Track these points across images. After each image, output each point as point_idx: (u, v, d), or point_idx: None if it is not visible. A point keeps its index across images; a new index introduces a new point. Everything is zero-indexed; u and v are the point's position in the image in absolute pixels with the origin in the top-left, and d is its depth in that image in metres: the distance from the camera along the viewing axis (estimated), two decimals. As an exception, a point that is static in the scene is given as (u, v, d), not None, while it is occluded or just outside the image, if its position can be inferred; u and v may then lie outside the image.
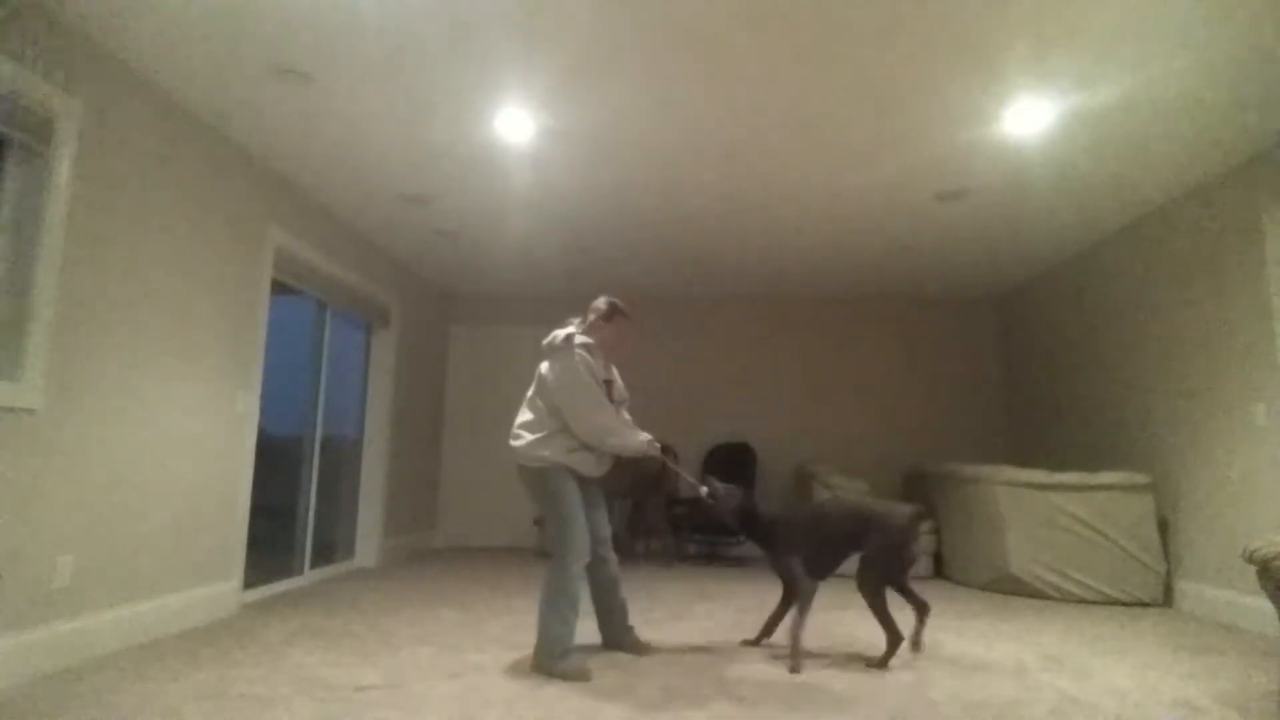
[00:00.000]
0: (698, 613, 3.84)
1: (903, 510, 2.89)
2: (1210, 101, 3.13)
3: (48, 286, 2.63)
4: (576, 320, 3.05)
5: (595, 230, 4.99)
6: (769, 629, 3.15)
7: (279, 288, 4.26)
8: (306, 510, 4.68)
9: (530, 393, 2.97)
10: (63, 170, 2.69)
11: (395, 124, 3.48)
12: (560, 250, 5.49)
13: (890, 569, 2.85)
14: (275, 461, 4.33)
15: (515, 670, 2.73)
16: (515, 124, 3.44)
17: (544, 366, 2.94)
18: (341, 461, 5.20)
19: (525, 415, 2.91)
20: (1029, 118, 3.29)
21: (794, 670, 2.75)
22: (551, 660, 2.67)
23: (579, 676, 2.63)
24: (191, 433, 3.41)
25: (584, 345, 2.89)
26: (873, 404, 6.63)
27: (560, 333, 2.95)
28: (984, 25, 2.64)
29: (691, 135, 3.55)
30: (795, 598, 2.92)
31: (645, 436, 2.86)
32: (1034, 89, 3.06)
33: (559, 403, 2.82)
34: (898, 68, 2.92)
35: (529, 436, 2.84)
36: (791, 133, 3.51)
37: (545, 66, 2.96)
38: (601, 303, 3.06)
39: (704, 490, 3.01)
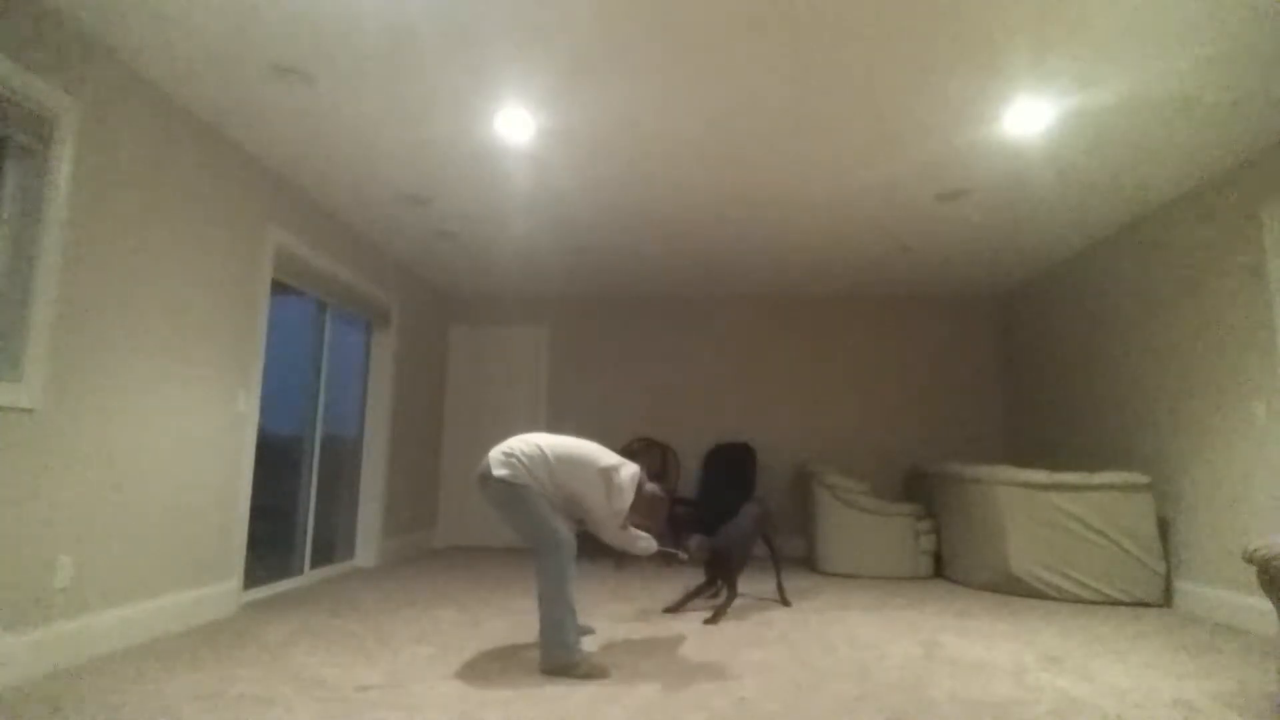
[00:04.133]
0: (698, 610, 3.84)
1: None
2: (1210, 101, 3.13)
3: (48, 286, 2.63)
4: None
5: (595, 230, 4.99)
6: (684, 604, 3.92)
7: (279, 288, 4.27)
8: (306, 510, 4.68)
9: (573, 457, 2.93)
10: (63, 170, 2.69)
11: (395, 124, 3.48)
12: (560, 250, 5.49)
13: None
14: (275, 461, 4.33)
15: (515, 670, 2.73)
16: (515, 124, 3.44)
17: (605, 463, 2.94)
18: (341, 461, 5.20)
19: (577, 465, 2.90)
20: (1029, 118, 3.29)
21: (713, 622, 3.61)
22: (568, 655, 2.67)
23: (599, 674, 2.65)
24: (191, 433, 3.41)
25: (634, 477, 3.00)
26: (873, 404, 6.63)
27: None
28: (984, 25, 2.64)
29: (692, 135, 3.55)
30: (728, 591, 3.83)
31: (645, 544, 3.16)
32: (1034, 89, 3.06)
33: (592, 498, 2.90)
34: (898, 68, 2.92)
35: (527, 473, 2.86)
36: (791, 133, 3.51)
37: (545, 66, 2.96)
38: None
39: (683, 556, 3.77)
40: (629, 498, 2.90)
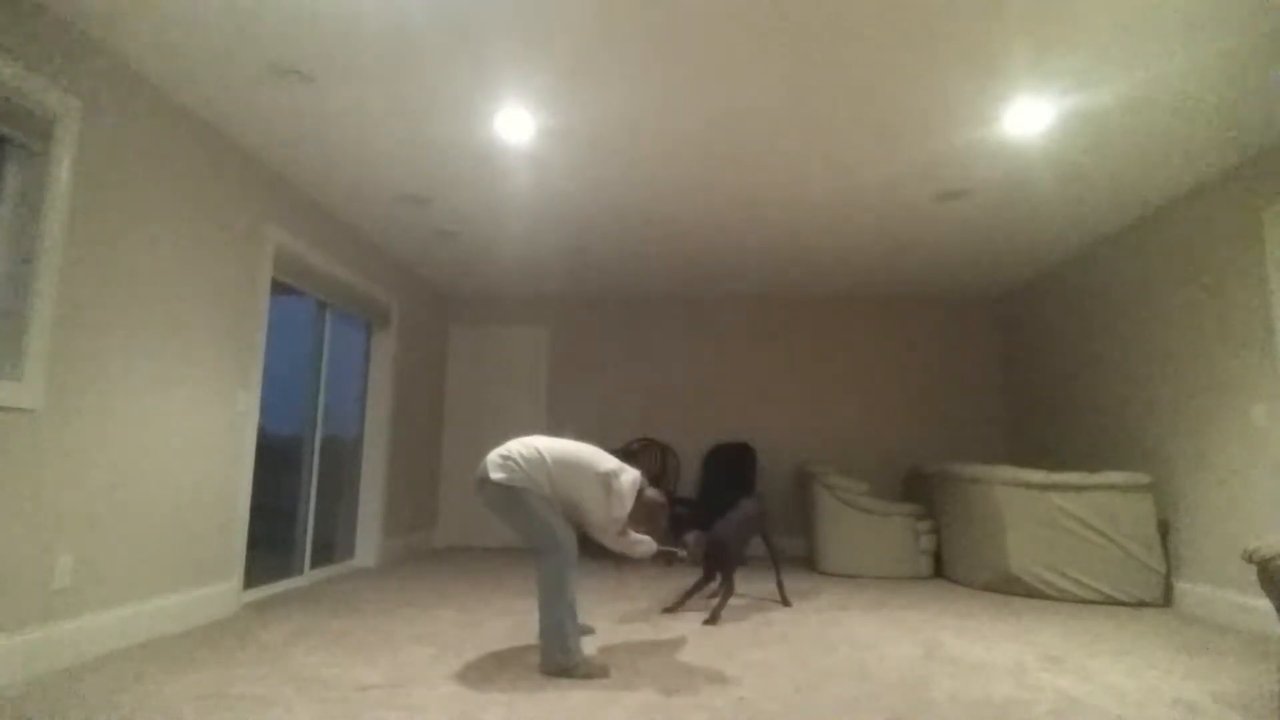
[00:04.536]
0: (696, 610, 3.84)
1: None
2: (1210, 101, 3.13)
3: (48, 286, 2.63)
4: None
5: (595, 230, 4.99)
6: (683, 602, 3.90)
7: (279, 288, 4.27)
8: (306, 510, 4.68)
9: (570, 459, 2.88)
10: (63, 170, 2.69)
11: (395, 124, 3.48)
12: (560, 250, 5.49)
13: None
14: (275, 461, 4.32)
15: (515, 671, 2.73)
16: (515, 124, 3.44)
17: (605, 468, 2.90)
18: (341, 461, 5.20)
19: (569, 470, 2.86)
20: (1029, 118, 3.29)
21: (712, 622, 3.58)
22: (568, 656, 2.67)
23: (599, 674, 2.65)
24: (191, 433, 3.41)
25: (634, 482, 2.95)
26: (873, 404, 6.63)
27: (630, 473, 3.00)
28: (984, 25, 2.64)
29: (691, 135, 3.55)
30: (725, 585, 3.81)
31: (645, 549, 3.12)
32: (1034, 89, 3.06)
33: (590, 503, 2.86)
34: (898, 68, 2.92)
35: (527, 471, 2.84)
36: (791, 133, 3.51)
37: (545, 66, 2.96)
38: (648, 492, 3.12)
39: (681, 553, 3.71)
40: (628, 504, 2.87)
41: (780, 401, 6.69)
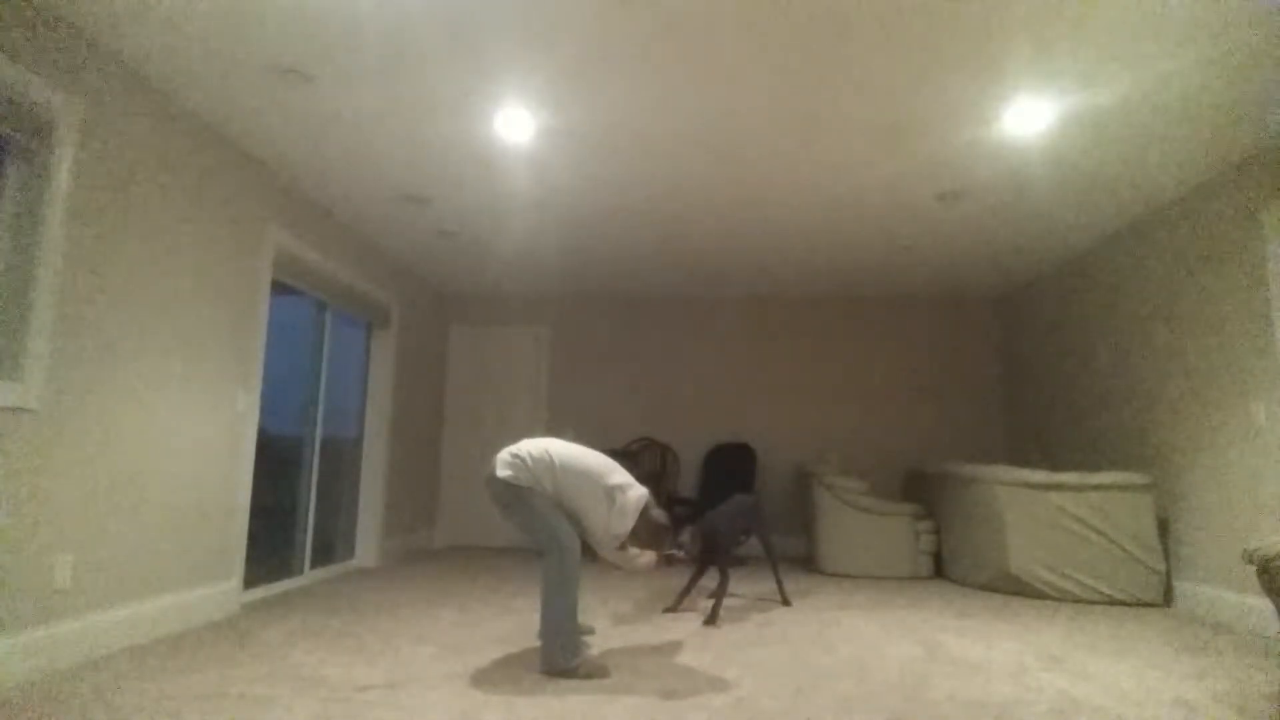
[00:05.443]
0: (696, 610, 3.84)
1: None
2: (1210, 101, 3.13)
3: (48, 286, 2.63)
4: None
5: (595, 230, 4.99)
6: (681, 600, 3.89)
7: (279, 288, 4.27)
8: (306, 510, 4.68)
9: (580, 464, 2.88)
10: (63, 170, 2.69)
11: (395, 124, 3.48)
12: (560, 250, 5.49)
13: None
14: (275, 461, 4.33)
15: (515, 670, 2.73)
16: (515, 124, 3.44)
17: (612, 481, 2.88)
18: (341, 461, 5.20)
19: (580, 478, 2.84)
20: (1029, 118, 3.29)
21: (711, 623, 3.57)
22: (568, 656, 2.67)
23: (599, 674, 2.65)
24: (191, 432, 3.41)
25: (639, 500, 2.90)
26: (873, 404, 6.63)
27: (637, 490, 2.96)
28: (984, 25, 2.64)
29: (692, 135, 3.55)
30: (721, 578, 3.78)
31: (645, 562, 3.07)
32: (1034, 89, 3.06)
33: (591, 514, 2.84)
34: (898, 68, 2.92)
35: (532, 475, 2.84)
36: (791, 133, 3.51)
37: (545, 65, 2.96)
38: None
39: (680, 554, 3.57)
40: (630, 522, 2.83)
41: (780, 401, 6.69)
